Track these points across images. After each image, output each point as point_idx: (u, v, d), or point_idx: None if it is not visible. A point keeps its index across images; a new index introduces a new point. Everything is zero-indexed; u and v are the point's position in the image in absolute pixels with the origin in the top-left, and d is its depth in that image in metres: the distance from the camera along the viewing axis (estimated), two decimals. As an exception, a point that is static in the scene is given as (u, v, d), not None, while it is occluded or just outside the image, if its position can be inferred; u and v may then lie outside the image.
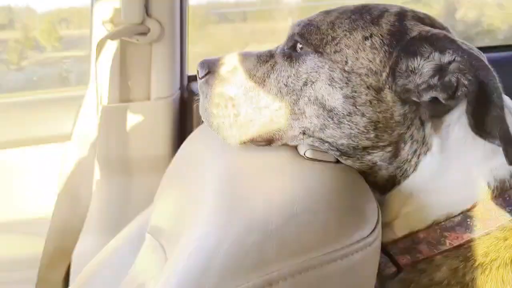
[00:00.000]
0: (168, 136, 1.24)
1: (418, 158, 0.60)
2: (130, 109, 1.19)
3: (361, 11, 0.62)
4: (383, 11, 0.62)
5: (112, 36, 1.04)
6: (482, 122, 0.54)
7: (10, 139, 1.23)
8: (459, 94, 0.55)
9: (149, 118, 1.21)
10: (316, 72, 0.61)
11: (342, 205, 0.51)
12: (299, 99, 0.63)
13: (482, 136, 0.55)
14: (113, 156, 1.21)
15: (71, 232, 1.03)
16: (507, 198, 0.58)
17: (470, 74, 0.53)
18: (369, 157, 0.62)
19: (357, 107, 0.59)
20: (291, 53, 0.65)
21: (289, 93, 0.63)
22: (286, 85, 0.64)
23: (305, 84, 0.62)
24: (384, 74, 0.59)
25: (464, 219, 0.58)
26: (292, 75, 0.63)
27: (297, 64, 0.63)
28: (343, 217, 0.49)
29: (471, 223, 0.58)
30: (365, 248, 0.47)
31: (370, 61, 0.59)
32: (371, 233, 0.49)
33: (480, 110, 0.54)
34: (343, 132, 0.61)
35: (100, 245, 1.15)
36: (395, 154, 0.61)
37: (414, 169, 0.61)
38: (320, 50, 0.61)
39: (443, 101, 0.56)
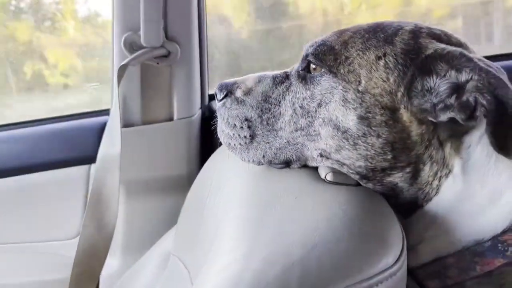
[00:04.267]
0: (191, 155, 1.25)
1: (440, 180, 0.59)
2: (153, 130, 1.21)
3: (375, 30, 0.62)
4: (397, 29, 0.61)
5: (132, 61, 1.06)
6: (506, 141, 0.52)
7: (37, 162, 1.26)
8: (477, 114, 0.54)
9: (171, 139, 1.23)
10: (330, 93, 0.61)
11: (365, 232, 0.50)
12: (314, 120, 0.62)
13: (508, 156, 0.53)
14: (137, 177, 1.23)
15: (98, 254, 1.04)
16: None
17: (488, 93, 0.52)
18: (389, 179, 0.60)
19: (372, 128, 0.58)
20: (305, 75, 0.65)
21: (304, 115, 0.63)
22: (301, 107, 0.64)
23: (319, 105, 0.62)
24: (399, 94, 0.58)
25: (495, 244, 0.56)
26: (307, 96, 0.63)
27: (312, 85, 0.63)
28: (366, 245, 0.48)
29: (502, 248, 0.56)
30: (390, 278, 0.46)
31: (384, 81, 0.58)
32: (396, 261, 0.48)
33: (502, 129, 0.52)
34: (359, 154, 0.60)
35: (126, 267, 1.16)
36: (415, 175, 0.59)
37: (437, 192, 0.59)
38: (334, 70, 0.61)
39: (461, 122, 0.55)
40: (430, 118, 0.57)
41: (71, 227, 1.27)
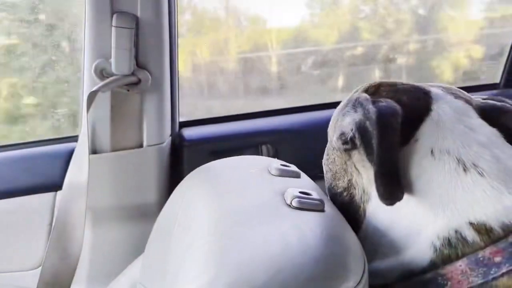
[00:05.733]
0: (160, 183, 1.25)
1: (364, 205, 0.65)
2: (122, 157, 1.20)
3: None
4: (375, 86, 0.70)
5: (103, 88, 1.06)
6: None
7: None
8: (349, 142, 0.63)
9: (140, 166, 1.22)
10: None
11: (327, 256, 0.51)
12: None
13: None
14: (104, 204, 1.21)
15: (61, 285, 1.01)
16: (480, 259, 0.54)
17: (360, 129, 0.61)
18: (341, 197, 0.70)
19: (329, 165, 0.73)
20: None
21: None
22: None
23: None
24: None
25: (435, 277, 0.56)
26: None
27: None
28: (328, 270, 0.49)
29: (442, 282, 0.55)
30: (351, 301, 0.47)
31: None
32: (357, 284, 0.49)
33: None
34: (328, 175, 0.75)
35: (91, 297, 1.13)
36: (351, 199, 0.68)
37: (364, 217, 0.65)
38: None
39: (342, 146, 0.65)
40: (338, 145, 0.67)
41: (34, 256, 1.23)
